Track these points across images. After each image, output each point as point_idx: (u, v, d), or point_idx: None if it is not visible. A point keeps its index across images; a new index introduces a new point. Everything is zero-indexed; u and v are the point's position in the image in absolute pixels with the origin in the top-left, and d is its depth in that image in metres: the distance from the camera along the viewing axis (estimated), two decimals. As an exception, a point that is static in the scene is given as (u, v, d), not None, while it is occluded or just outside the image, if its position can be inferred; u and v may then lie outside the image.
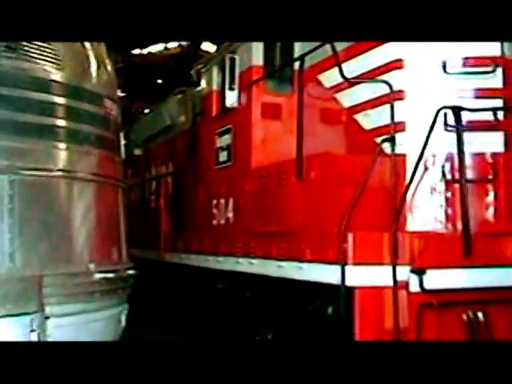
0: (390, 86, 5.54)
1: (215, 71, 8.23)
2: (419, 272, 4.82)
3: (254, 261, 6.74)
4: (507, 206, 5.28)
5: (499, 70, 5.41)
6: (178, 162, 10.00)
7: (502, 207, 5.29)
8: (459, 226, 5.24)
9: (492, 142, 5.40)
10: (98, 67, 5.54)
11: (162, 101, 11.54)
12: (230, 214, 7.55)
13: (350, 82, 6.11)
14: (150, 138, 11.97)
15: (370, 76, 5.84)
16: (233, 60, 7.54)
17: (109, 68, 5.86)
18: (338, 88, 6.43)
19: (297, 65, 6.85)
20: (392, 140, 5.42)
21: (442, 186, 5.47)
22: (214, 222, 7.97)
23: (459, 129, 5.07)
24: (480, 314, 4.94)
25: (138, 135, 12.73)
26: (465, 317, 4.93)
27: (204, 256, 8.03)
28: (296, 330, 6.22)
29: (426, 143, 5.09)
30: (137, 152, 12.42)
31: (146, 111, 13.76)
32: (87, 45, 5.45)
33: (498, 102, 5.40)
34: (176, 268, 9.27)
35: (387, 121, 5.69)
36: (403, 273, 4.97)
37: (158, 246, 10.11)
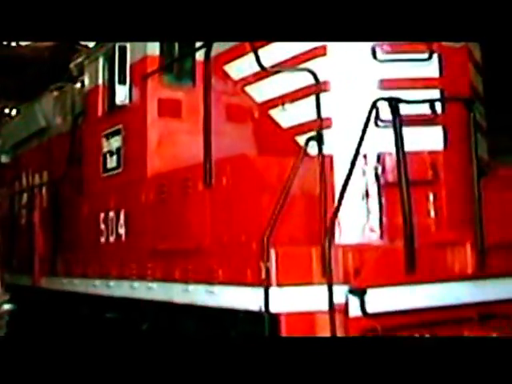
0: (315, 76, 5.05)
1: (102, 63, 7.45)
2: (360, 293, 4.32)
3: (152, 285, 6.04)
4: (449, 212, 4.91)
5: (435, 57, 5.06)
6: (55, 171, 9.10)
7: (443, 213, 4.92)
8: (396, 236, 4.81)
9: (430, 139, 5.04)
10: None
11: (35, 99, 10.56)
12: (122, 230, 6.80)
13: (263, 74, 5.59)
14: (20, 142, 10.96)
15: (289, 65, 5.33)
16: (123, 49, 6.80)
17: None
18: (248, 80, 5.90)
19: (199, 55, 6.26)
20: (319, 138, 4.92)
21: (375, 191, 5.04)
22: (102, 240, 7.18)
23: (397, 123, 4.63)
24: (427, 338, 4.52)
25: (4, 140, 11.66)
26: (411, 343, 4.48)
27: (90, 280, 7.23)
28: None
29: (361, 140, 4.64)
30: (3, 159, 11.38)
31: (14, 111, 12.71)
32: None
33: (435, 93, 5.05)
34: (55, 296, 8.37)
35: (310, 116, 5.22)
36: (339, 294, 4.46)
37: (32, 269, 9.18)
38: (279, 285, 4.58)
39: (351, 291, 4.37)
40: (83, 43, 12.97)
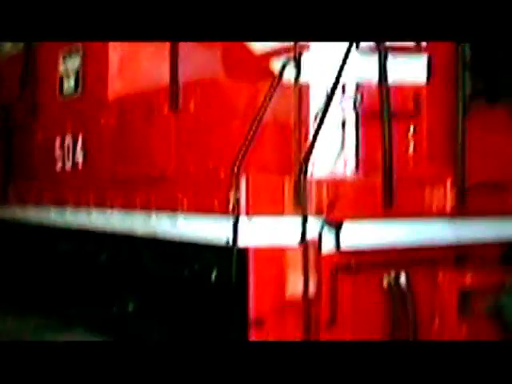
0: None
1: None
2: (335, 226, 4.10)
3: (112, 214, 5.74)
4: (430, 147, 4.68)
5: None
6: (6, 94, 8.59)
7: (423, 148, 4.69)
8: (372, 171, 4.58)
9: (413, 70, 4.75)
10: None
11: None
12: (80, 157, 6.44)
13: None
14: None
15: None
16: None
17: None
18: None
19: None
20: (297, 64, 4.59)
21: (352, 122, 4.76)
22: (58, 167, 6.81)
23: (382, 50, 4.34)
24: (402, 278, 4.34)
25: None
26: (385, 281, 4.30)
27: (45, 210, 6.88)
28: (167, 299, 5.37)
29: (342, 67, 4.33)
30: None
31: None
32: None
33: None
34: (6, 226, 8.00)
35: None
36: (312, 228, 4.23)
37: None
38: (249, 215, 4.33)
39: (326, 223, 4.14)
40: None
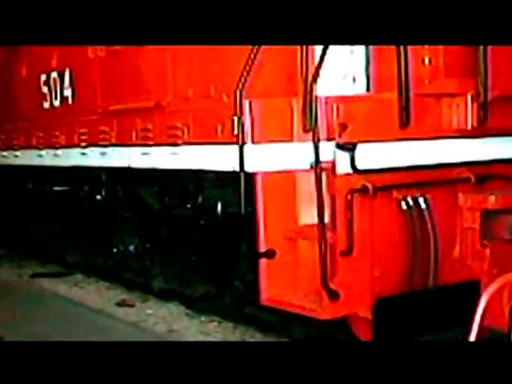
0: None
1: None
2: (349, 148, 3.84)
3: (106, 150, 5.49)
4: (446, 59, 4.36)
5: None
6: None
7: (440, 60, 4.37)
8: (385, 88, 4.30)
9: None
10: None
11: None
12: (68, 92, 6.13)
13: None
14: None
15: None
16: None
17: None
18: None
19: None
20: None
21: (361, 36, 4.46)
22: (46, 105, 6.51)
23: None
24: (421, 200, 4.11)
25: None
26: (404, 204, 4.07)
27: (35, 151, 6.62)
28: (169, 237, 5.17)
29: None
30: None
31: None
32: None
33: None
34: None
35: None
36: (323, 151, 3.97)
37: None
38: (255, 142, 4.08)
39: (339, 146, 3.88)
40: None
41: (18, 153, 7.12)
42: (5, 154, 7.45)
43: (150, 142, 4.92)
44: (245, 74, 4.10)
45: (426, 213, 4.12)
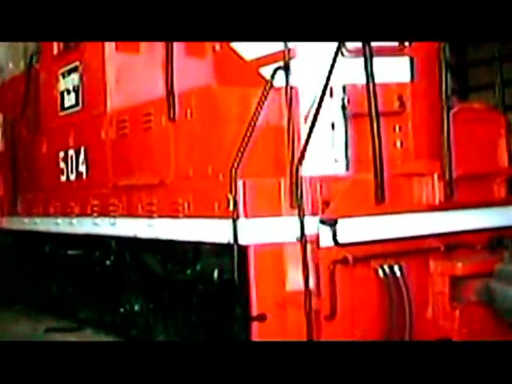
0: (281, 3, 4.51)
1: (55, -2, 6.69)
2: (331, 223, 3.92)
3: (116, 220, 5.54)
4: (416, 143, 4.51)
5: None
6: (11, 112, 8.35)
7: (410, 144, 4.52)
8: (362, 168, 4.41)
9: (397, 70, 4.59)
10: None
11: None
12: (83, 168, 6.22)
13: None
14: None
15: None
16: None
17: None
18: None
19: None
20: (286, 69, 4.42)
21: (341, 123, 4.59)
22: (63, 178, 6.59)
23: (368, 53, 4.16)
24: (396, 268, 4.17)
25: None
26: (381, 272, 4.13)
27: (52, 219, 6.66)
28: (171, 299, 5.17)
29: (330, 71, 4.16)
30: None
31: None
32: None
33: (403, 24, 4.57)
34: (18, 236, 7.78)
35: (274, 47, 4.69)
36: (308, 225, 4.05)
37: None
38: (248, 217, 4.15)
39: (322, 222, 3.97)
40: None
41: (37, 220, 7.17)
42: (25, 220, 7.48)
43: (155, 215, 4.98)
44: (239, 155, 4.20)
45: (400, 279, 4.19)
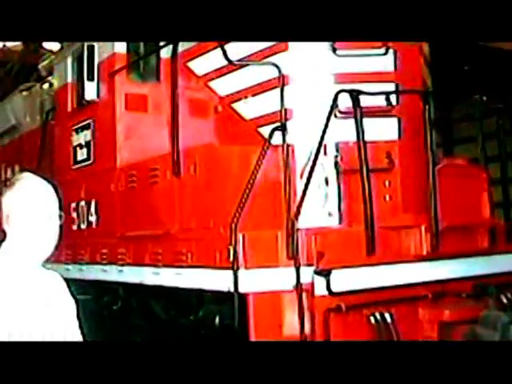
0: (279, 70, 4.64)
1: (70, 62, 6.85)
2: (325, 274, 3.95)
3: (123, 268, 5.55)
4: (404, 197, 4.57)
5: (390, 53, 4.71)
6: (27, 164, 8.43)
7: (399, 198, 4.57)
8: (354, 221, 4.46)
9: (386, 129, 4.68)
10: None
11: (5, 99, 9.80)
12: (93, 218, 6.26)
13: (225, 70, 5.16)
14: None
15: (253, 59, 4.90)
16: (91, 48, 6.24)
17: None
18: (211, 76, 5.45)
19: (164, 52, 5.79)
20: (283, 129, 4.51)
21: (334, 178, 4.66)
22: (74, 228, 6.61)
23: (358, 114, 4.26)
24: (387, 315, 4.17)
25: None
26: (372, 319, 4.13)
27: (63, 265, 6.66)
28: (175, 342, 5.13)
29: (324, 130, 4.25)
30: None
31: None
32: None
33: (390, 87, 4.70)
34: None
35: (272, 108, 4.80)
36: (303, 275, 4.08)
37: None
38: (247, 267, 4.18)
39: (317, 272, 3.99)
40: (48, 47, 12.12)
41: (48, 266, 7.15)
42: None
43: (160, 264, 5.00)
44: (239, 210, 4.24)
45: (391, 326, 4.17)
